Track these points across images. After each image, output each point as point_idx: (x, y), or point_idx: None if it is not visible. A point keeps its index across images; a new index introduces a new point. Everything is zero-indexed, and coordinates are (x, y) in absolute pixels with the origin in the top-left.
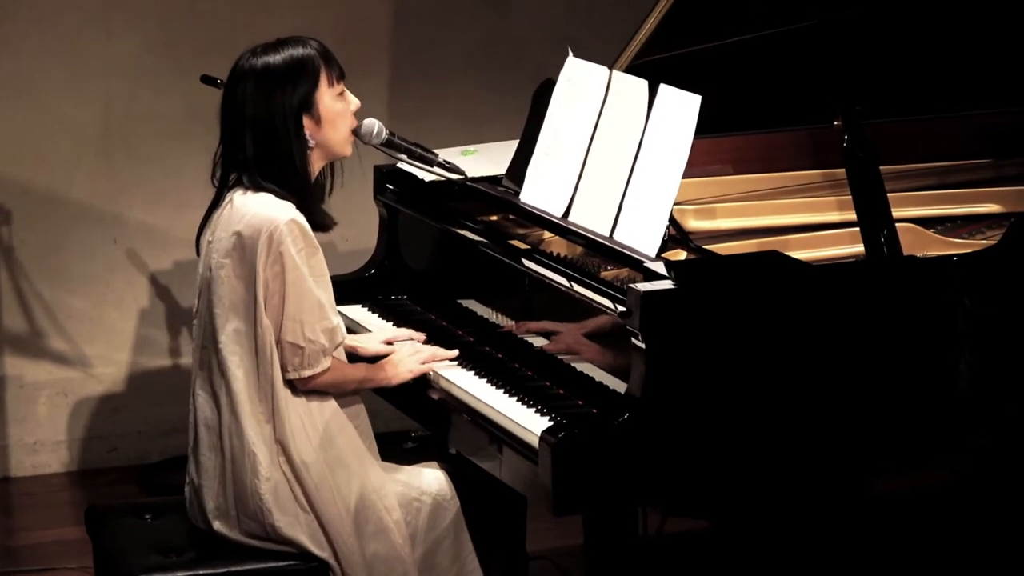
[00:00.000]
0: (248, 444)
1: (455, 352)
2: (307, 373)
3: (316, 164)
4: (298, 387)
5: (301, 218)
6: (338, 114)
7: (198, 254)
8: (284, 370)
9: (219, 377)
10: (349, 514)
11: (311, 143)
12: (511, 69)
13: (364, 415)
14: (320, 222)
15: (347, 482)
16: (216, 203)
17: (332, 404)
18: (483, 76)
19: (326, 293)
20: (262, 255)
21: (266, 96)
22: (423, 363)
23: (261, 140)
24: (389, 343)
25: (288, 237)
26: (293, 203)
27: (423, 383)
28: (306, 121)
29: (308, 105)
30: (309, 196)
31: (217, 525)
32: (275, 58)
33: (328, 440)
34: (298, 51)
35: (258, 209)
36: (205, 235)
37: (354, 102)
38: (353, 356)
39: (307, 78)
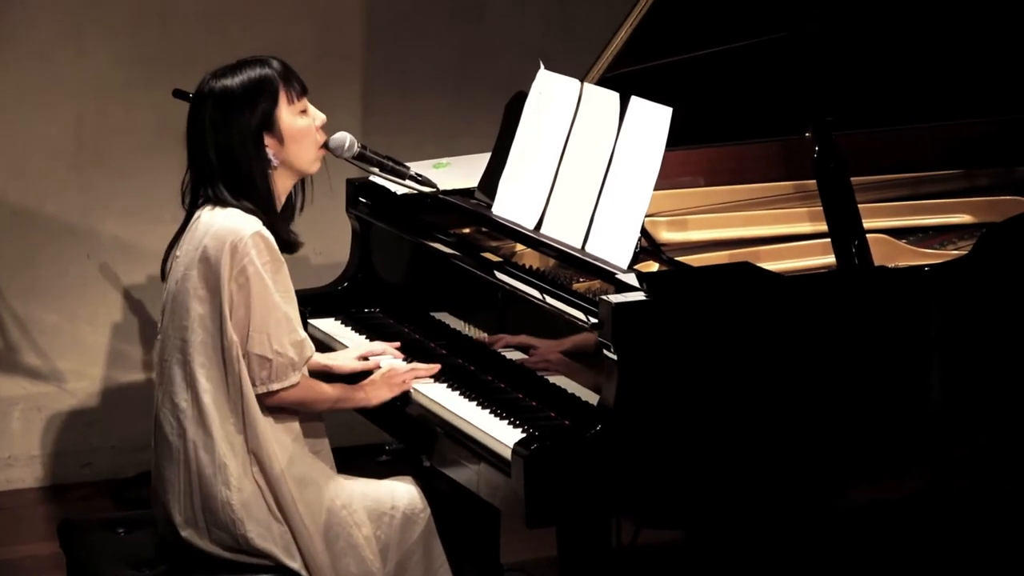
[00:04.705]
0: (218, 456)
1: (437, 367)
2: (276, 387)
3: (285, 183)
4: (265, 402)
5: (266, 232)
6: (300, 131)
7: (163, 279)
8: (252, 384)
9: (185, 391)
10: (319, 531)
11: (274, 162)
12: (484, 82)
13: (324, 437)
14: (286, 241)
15: (316, 499)
16: (185, 225)
17: (298, 422)
18: (456, 89)
19: (292, 309)
20: (226, 267)
21: (224, 119)
22: (404, 381)
23: (224, 162)
24: (364, 359)
25: (253, 249)
26: (260, 219)
27: (396, 396)
28: (268, 140)
29: (268, 124)
30: (274, 215)
31: (186, 534)
32: (232, 81)
33: (298, 456)
34: (255, 72)
35: (224, 222)
36: (172, 253)
37: (319, 117)
38: (328, 377)
39: (265, 98)
